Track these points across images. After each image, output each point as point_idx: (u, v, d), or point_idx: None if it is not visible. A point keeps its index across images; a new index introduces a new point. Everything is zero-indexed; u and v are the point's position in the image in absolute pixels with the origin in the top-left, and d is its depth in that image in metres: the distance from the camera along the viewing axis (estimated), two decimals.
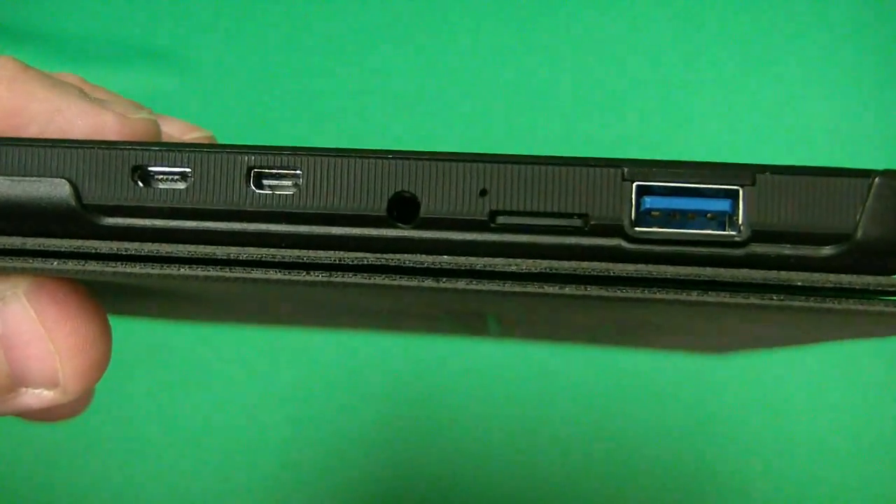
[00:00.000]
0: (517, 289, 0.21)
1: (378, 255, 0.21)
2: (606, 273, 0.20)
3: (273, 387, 0.63)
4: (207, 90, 0.70)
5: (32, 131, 0.23)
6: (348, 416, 0.62)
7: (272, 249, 0.21)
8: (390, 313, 0.34)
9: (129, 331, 0.48)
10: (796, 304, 0.20)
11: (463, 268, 0.21)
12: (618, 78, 0.67)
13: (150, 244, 0.21)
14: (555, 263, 0.21)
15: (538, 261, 0.21)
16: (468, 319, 0.35)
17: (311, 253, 0.21)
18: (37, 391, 0.24)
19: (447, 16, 0.69)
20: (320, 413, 0.62)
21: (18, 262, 0.21)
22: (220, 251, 0.21)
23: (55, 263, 0.21)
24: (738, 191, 0.20)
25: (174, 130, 0.27)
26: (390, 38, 0.69)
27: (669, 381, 0.60)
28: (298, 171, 0.21)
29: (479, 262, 0.21)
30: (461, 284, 0.21)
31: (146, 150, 0.21)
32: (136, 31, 0.72)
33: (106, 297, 0.25)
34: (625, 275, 0.20)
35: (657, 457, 0.60)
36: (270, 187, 0.21)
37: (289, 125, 0.68)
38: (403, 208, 0.21)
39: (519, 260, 0.21)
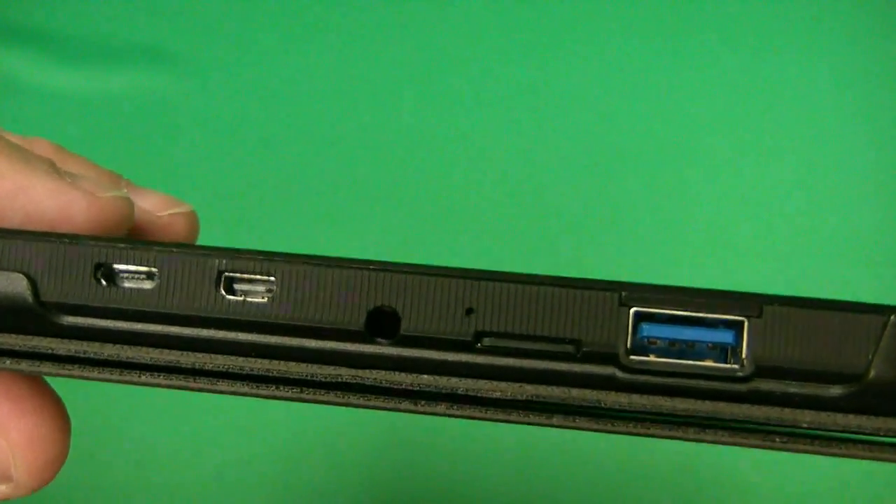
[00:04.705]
0: (500, 416, 0.19)
1: (354, 373, 0.20)
2: (597, 404, 0.19)
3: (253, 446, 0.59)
4: (207, 90, 0.69)
5: None
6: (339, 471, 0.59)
7: (241, 359, 0.20)
8: None
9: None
10: (800, 447, 0.19)
11: (443, 391, 0.19)
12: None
13: (111, 347, 0.20)
14: (542, 390, 0.19)
15: (524, 386, 0.19)
16: None
17: (283, 366, 0.20)
18: None
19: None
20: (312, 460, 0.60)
21: None
22: (184, 359, 0.20)
23: (7, 362, 0.20)
24: (742, 322, 0.19)
25: (151, 205, 0.25)
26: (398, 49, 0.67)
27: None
28: (272, 278, 0.20)
29: (462, 385, 0.19)
30: (440, 409, 0.19)
31: (111, 247, 0.20)
32: (137, 31, 0.70)
33: None
34: (617, 406, 0.19)
35: None
36: (242, 293, 0.20)
37: (289, 126, 0.67)
38: (383, 323, 0.19)
39: (504, 384, 0.19)
